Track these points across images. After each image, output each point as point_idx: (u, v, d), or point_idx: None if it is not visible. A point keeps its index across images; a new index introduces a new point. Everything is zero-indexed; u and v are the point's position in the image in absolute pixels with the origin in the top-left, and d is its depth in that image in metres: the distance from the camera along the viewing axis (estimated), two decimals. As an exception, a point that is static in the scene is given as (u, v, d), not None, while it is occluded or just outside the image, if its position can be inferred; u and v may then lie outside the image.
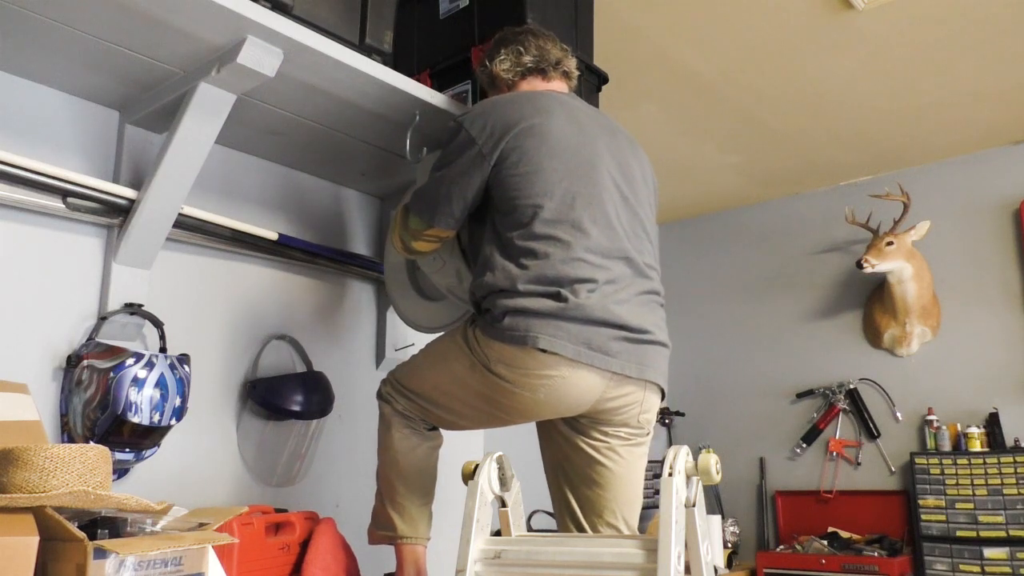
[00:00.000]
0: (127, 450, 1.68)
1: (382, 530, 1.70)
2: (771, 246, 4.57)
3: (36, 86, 1.79)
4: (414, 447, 1.68)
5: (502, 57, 1.75)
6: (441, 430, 1.74)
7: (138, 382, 1.63)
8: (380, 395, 1.74)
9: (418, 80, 1.94)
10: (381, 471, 1.71)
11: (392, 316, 2.41)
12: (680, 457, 1.23)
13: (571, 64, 1.79)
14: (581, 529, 1.63)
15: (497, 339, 1.48)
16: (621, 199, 1.60)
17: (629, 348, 1.50)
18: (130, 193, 1.77)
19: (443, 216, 1.62)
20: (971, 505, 3.54)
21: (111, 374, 1.62)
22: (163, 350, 1.75)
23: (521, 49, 1.74)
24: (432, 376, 1.64)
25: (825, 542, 3.83)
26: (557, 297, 1.46)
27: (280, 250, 2.13)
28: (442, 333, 1.78)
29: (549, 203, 1.51)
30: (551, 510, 1.76)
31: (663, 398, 1.63)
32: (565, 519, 1.67)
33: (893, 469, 3.96)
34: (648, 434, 1.65)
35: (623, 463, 1.61)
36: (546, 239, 1.50)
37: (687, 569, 1.19)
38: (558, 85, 1.77)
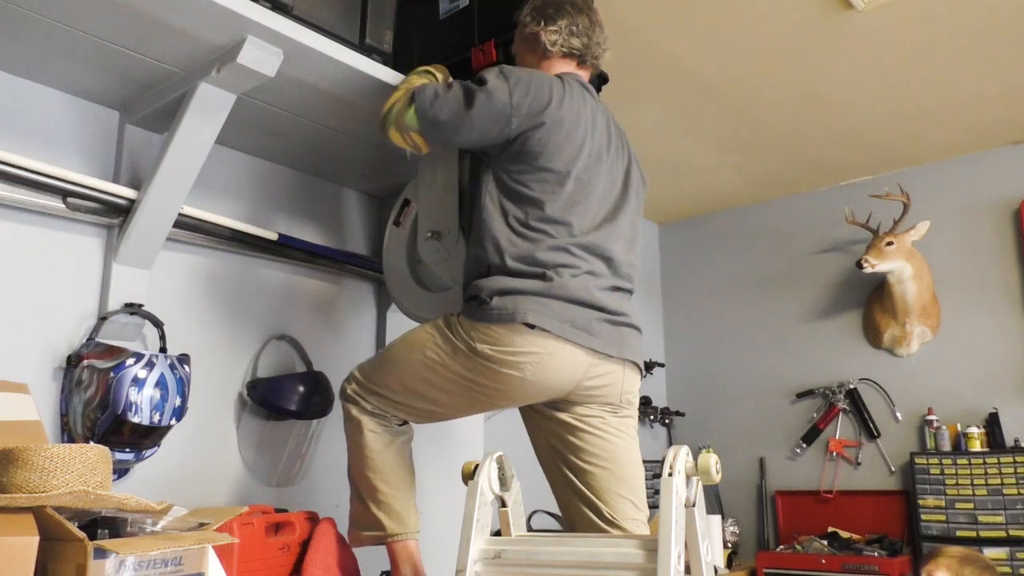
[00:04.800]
0: (127, 450, 1.68)
1: (369, 531, 1.68)
2: (771, 246, 4.57)
3: (36, 86, 1.79)
4: (388, 443, 1.67)
5: (555, 28, 1.70)
6: (412, 424, 1.72)
7: (138, 382, 1.63)
8: (344, 396, 1.70)
9: (418, 80, 1.94)
10: (358, 473, 1.68)
11: (392, 315, 2.41)
12: (680, 457, 1.23)
13: (605, 59, 1.80)
14: (593, 508, 1.60)
15: (484, 320, 1.51)
16: (612, 207, 1.66)
17: (609, 329, 1.57)
18: (130, 193, 1.77)
19: (439, 136, 1.60)
20: (971, 505, 3.53)
21: (111, 374, 1.62)
22: (163, 350, 1.76)
23: (575, 30, 1.72)
24: (407, 367, 1.62)
25: (825, 542, 3.82)
26: (543, 277, 1.52)
27: (280, 250, 2.13)
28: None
29: (550, 204, 1.57)
30: (551, 510, 1.76)
31: (642, 378, 1.69)
32: (574, 501, 1.63)
33: (893, 469, 3.96)
34: (634, 413, 1.68)
35: (616, 432, 1.63)
36: (538, 231, 1.56)
37: (687, 569, 1.19)
38: (584, 72, 1.78)
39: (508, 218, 1.58)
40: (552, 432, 1.66)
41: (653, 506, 2.62)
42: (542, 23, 1.71)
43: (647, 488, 1.71)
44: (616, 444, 1.62)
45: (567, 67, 1.74)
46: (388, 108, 1.66)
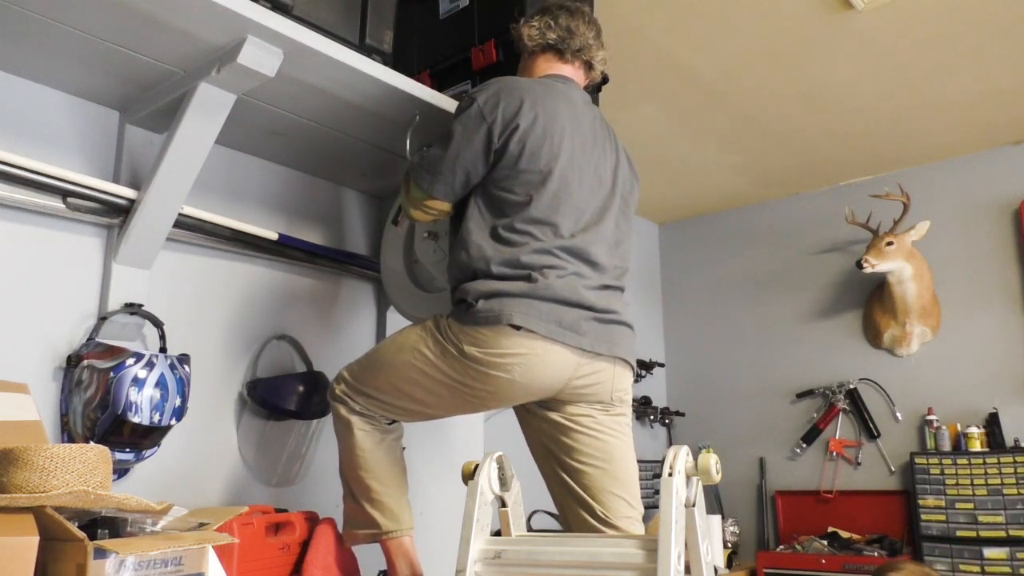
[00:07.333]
0: (127, 450, 1.68)
1: (364, 530, 1.68)
2: (771, 246, 4.57)
3: (36, 86, 1.79)
4: (379, 442, 1.68)
5: (533, 23, 1.77)
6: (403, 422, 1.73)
7: (138, 382, 1.63)
8: (333, 396, 1.71)
9: (418, 80, 1.94)
10: (350, 472, 1.69)
11: (392, 316, 2.41)
12: (680, 457, 1.23)
13: (595, 55, 1.79)
14: (586, 508, 1.60)
15: (470, 323, 1.52)
16: (600, 206, 1.66)
17: (598, 327, 1.57)
18: (130, 193, 1.77)
19: (444, 187, 1.63)
20: (971, 505, 3.53)
21: (111, 374, 1.62)
22: (163, 350, 1.76)
23: (552, 23, 1.75)
24: (396, 369, 1.62)
25: (825, 542, 3.82)
26: (528, 279, 1.52)
27: (280, 250, 2.13)
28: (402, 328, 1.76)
29: (536, 203, 1.57)
30: (551, 510, 1.76)
31: (635, 374, 1.68)
32: (568, 501, 1.63)
33: (893, 469, 3.96)
34: (627, 411, 1.67)
35: (608, 431, 1.63)
36: (524, 233, 1.56)
37: (687, 569, 1.19)
38: (572, 71, 1.78)
39: (491, 225, 1.58)
40: (545, 432, 1.66)
41: (652, 506, 2.62)
42: (522, 21, 1.80)
43: (647, 488, 1.72)
44: (608, 443, 1.62)
45: (550, 63, 1.76)
46: (403, 202, 1.76)
